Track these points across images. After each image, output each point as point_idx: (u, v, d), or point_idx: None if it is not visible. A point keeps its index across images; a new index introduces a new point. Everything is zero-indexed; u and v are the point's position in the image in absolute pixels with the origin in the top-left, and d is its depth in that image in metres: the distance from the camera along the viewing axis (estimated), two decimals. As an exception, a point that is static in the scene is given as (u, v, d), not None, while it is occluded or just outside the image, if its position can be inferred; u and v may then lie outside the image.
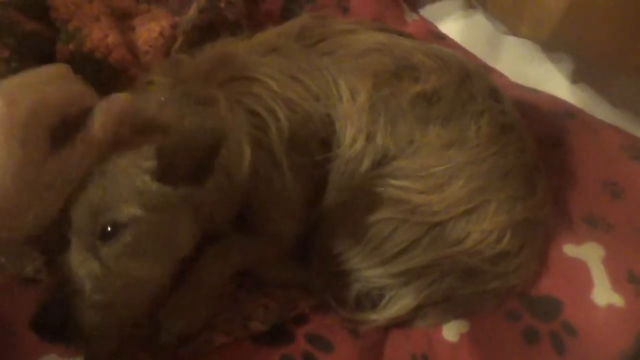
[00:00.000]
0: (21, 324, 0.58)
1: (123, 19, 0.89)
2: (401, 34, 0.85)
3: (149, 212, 0.56)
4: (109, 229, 0.54)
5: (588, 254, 0.81)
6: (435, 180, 0.72)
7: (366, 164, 0.72)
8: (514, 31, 0.90)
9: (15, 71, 0.74)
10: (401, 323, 0.76)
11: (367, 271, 0.73)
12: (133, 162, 0.56)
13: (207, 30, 0.86)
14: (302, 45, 0.77)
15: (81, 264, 0.54)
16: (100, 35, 0.81)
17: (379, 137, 0.72)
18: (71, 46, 0.80)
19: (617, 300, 0.77)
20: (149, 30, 0.86)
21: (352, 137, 0.72)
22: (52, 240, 0.56)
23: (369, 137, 0.72)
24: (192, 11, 0.87)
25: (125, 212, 0.55)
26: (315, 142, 0.73)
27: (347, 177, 0.73)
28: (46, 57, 0.80)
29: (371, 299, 0.75)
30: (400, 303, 0.73)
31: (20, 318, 0.59)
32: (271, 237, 0.74)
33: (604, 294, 0.78)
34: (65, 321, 0.52)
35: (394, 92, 0.74)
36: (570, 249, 0.82)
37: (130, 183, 0.55)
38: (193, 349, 0.65)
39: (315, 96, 0.74)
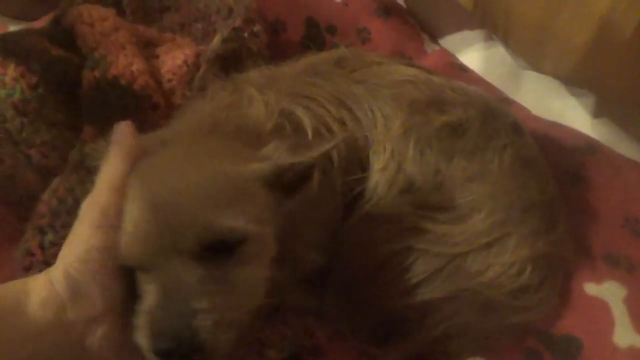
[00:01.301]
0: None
1: (148, 47, 0.91)
2: (428, 70, 0.85)
3: (258, 225, 0.54)
4: (224, 244, 0.52)
5: (609, 293, 0.80)
6: (458, 211, 0.71)
7: (394, 191, 0.72)
8: (536, 67, 0.90)
9: (41, 97, 0.77)
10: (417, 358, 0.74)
11: (384, 301, 0.72)
12: (242, 168, 0.55)
13: (230, 60, 0.87)
14: (340, 73, 0.78)
15: (197, 283, 0.51)
16: (125, 62, 0.82)
17: (409, 165, 0.73)
18: (97, 73, 0.81)
19: (638, 342, 0.75)
20: (173, 58, 0.87)
21: (384, 163, 0.73)
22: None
23: (400, 165, 0.73)
24: (216, 41, 0.88)
25: (240, 226, 0.53)
26: (357, 165, 0.73)
27: (373, 203, 0.72)
28: (72, 84, 0.82)
29: (387, 330, 0.73)
30: (417, 336, 0.71)
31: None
32: (295, 257, 0.70)
33: (626, 335, 0.76)
34: (188, 343, 0.49)
35: (425, 123, 0.74)
36: (591, 288, 0.80)
37: (242, 192, 0.54)
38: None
39: (358, 120, 0.74)
